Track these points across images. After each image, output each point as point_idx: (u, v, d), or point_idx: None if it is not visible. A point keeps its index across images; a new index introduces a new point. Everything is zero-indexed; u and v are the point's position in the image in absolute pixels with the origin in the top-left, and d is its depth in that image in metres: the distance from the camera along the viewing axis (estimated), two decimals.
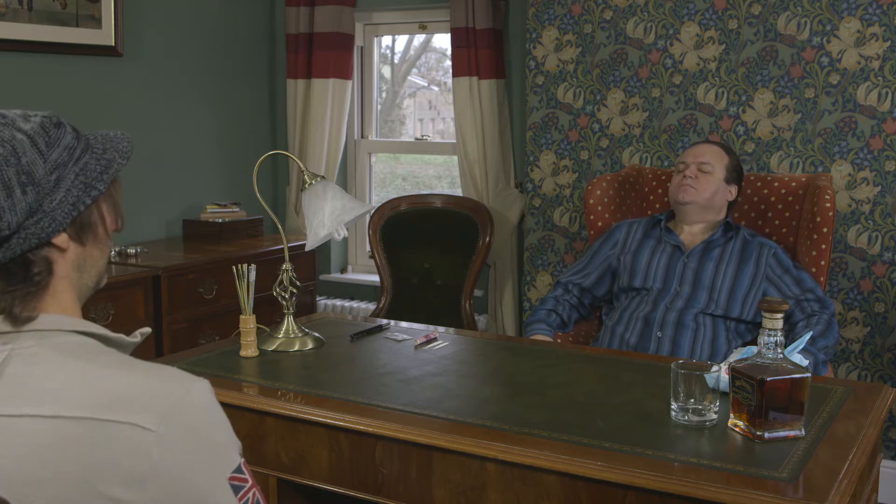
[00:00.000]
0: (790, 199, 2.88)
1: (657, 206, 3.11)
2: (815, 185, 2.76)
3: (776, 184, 2.93)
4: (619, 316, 2.66)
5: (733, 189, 2.72)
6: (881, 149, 3.03)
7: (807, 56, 3.10)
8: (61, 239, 1.07)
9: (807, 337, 2.06)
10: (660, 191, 3.12)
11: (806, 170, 3.14)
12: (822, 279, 2.65)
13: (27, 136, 1.04)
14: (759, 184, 2.94)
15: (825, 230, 2.63)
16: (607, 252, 2.80)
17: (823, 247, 2.65)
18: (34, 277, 1.05)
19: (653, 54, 3.34)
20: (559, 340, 2.73)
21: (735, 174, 2.72)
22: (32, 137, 1.05)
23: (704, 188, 2.65)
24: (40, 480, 0.98)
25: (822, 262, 2.66)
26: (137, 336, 1.17)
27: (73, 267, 1.10)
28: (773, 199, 2.91)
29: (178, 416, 1.00)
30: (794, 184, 2.90)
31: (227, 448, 1.05)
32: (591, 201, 2.98)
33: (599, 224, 2.99)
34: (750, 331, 2.59)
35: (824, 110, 3.10)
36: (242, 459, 1.07)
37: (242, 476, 1.05)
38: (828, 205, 2.63)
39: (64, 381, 1.01)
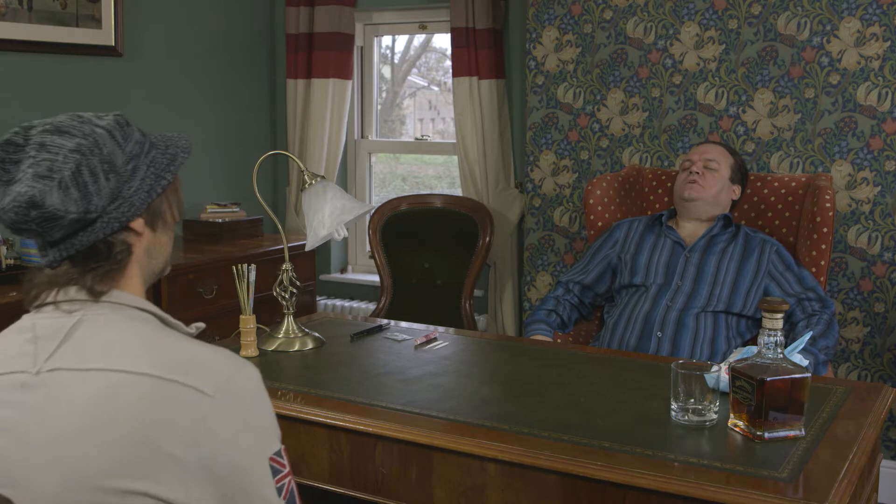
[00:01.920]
0: (790, 199, 2.88)
1: (657, 206, 3.11)
2: (815, 185, 2.76)
3: (776, 184, 2.93)
4: (620, 315, 2.67)
5: (737, 189, 2.75)
6: (881, 149, 3.03)
7: (807, 56, 3.10)
8: (138, 223, 1.19)
9: (807, 337, 2.06)
10: (660, 191, 3.12)
11: (806, 170, 3.14)
12: (822, 279, 2.65)
13: (106, 130, 1.15)
14: (759, 184, 2.94)
15: (825, 230, 2.64)
16: (607, 250, 2.81)
17: (823, 247, 2.65)
18: (116, 256, 1.17)
19: (653, 54, 3.34)
20: (559, 341, 2.74)
21: (739, 174, 2.75)
22: (110, 131, 1.15)
23: (711, 185, 2.68)
24: (101, 428, 1.06)
25: (822, 262, 2.66)
26: (192, 329, 1.27)
27: (145, 252, 1.22)
28: (773, 199, 2.91)
29: (232, 389, 1.10)
30: (793, 184, 2.90)
31: (271, 430, 1.14)
32: (591, 201, 2.98)
33: (599, 224, 2.99)
34: (750, 329, 2.60)
35: (824, 110, 3.10)
36: (283, 447, 1.15)
37: (282, 461, 1.13)
38: (828, 205, 2.63)
39: (131, 343, 1.12)
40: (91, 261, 1.16)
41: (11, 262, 3.07)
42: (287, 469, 1.14)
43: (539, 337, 2.66)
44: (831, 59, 3.07)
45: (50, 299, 1.17)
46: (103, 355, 1.10)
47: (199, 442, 1.06)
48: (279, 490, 1.12)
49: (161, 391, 1.07)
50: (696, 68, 3.28)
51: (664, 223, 2.75)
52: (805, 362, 1.91)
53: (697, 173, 2.68)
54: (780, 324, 1.72)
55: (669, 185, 3.06)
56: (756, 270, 2.59)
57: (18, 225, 1.12)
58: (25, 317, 1.19)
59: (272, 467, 1.12)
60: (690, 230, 2.72)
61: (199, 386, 1.08)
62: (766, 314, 1.72)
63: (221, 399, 1.08)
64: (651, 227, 2.78)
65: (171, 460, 1.05)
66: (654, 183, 3.14)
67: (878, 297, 3.08)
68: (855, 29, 3.02)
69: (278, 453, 1.14)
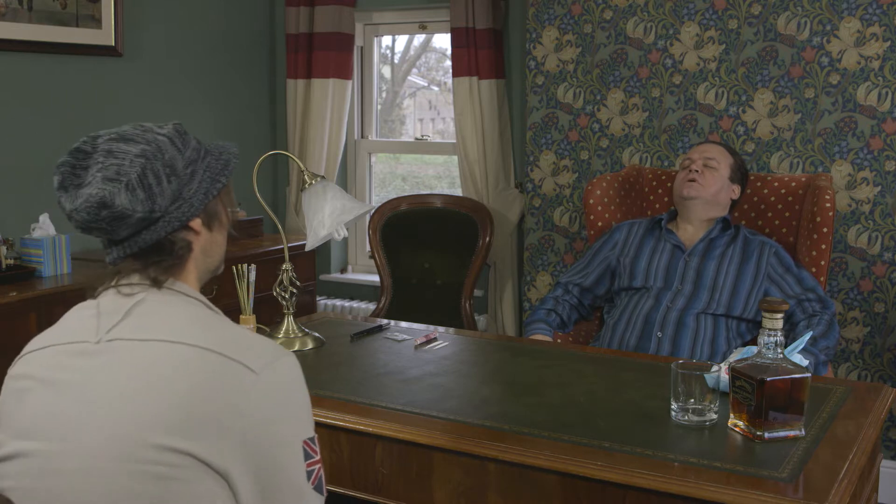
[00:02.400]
0: (790, 199, 2.88)
1: (657, 206, 3.11)
2: (815, 185, 2.76)
3: (776, 184, 2.93)
4: (620, 315, 2.66)
5: (736, 188, 2.74)
6: (881, 149, 3.03)
7: (807, 56, 3.10)
8: (196, 223, 1.28)
9: (807, 337, 2.06)
10: (660, 191, 3.12)
11: (806, 170, 3.14)
12: (822, 279, 2.65)
13: (167, 137, 1.25)
14: (759, 184, 2.94)
15: (825, 230, 2.64)
16: (606, 253, 2.80)
17: (823, 247, 2.65)
18: (178, 252, 1.27)
19: (653, 54, 3.34)
20: (559, 340, 2.74)
21: (739, 174, 2.75)
22: (171, 138, 1.25)
23: (710, 184, 2.67)
24: (154, 390, 1.14)
25: (822, 262, 2.66)
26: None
27: (201, 250, 1.31)
28: (773, 199, 2.91)
29: (276, 371, 1.19)
30: (793, 184, 2.90)
31: (307, 416, 1.23)
32: (591, 201, 2.98)
33: (599, 224, 2.99)
34: (750, 330, 2.60)
35: (824, 110, 3.10)
36: (316, 436, 1.23)
37: (314, 448, 1.22)
38: (828, 205, 2.63)
39: (187, 321, 1.22)
40: (154, 255, 1.25)
41: (11, 262, 3.07)
42: (318, 457, 1.22)
43: (539, 336, 2.65)
44: (831, 59, 3.07)
45: (112, 284, 1.25)
46: (161, 329, 1.19)
47: (241, 412, 1.14)
48: (309, 474, 1.20)
49: (213, 363, 1.16)
50: (696, 68, 3.28)
51: (663, 226, 2.74)
52: (805, 362, 1.91)
53: (697, 171, 2.68)
54: (780, 324, 1.72)
55: (669, 185, 3.06)
56: (755, 274, 2.58)
57: (89, 224, 1.22)
58: (89, 300, 1.28)
59: (305, 451, 1.20)
60: (690, 233, 2.72)
61: (246, 363, 1.17)
62: (766, 314, 1.72)
63: (265, 378, 1.17)
64: (651, 230, 2.77)
65: (215, 425, 1.13)
66: (655, 183, 3.14)
67: (878, 297, 3.08)
68: (855, 29, 3.02)
69: (312, 440, 1.22)
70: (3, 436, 1.23)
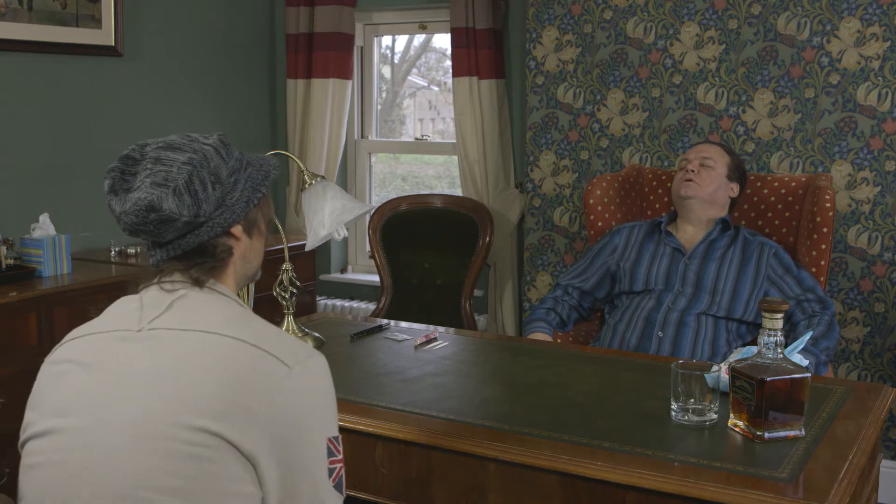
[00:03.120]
0: (790, 199, 2.88)
1: (657, 206, 3.11)
2: (815, 185, 2.76)
3: (776, 184, 2.93)
4: (621, 315, 2.66)
5: (735, 187, 2.74)
6: (881, 149, 3.03)
7: (807, 56, 3.10)
8: (237, 229, 1.35)
9: (807, 337, 2.05)
10: (660, 191, 3.12)
11: (806, 170, 3.14)
12: (822, 279, 2.65)
13: (212, 147, 1.32)
14: (759, 184, 2.94)
15: (825, 230, 2.64)
16: (606, 257, 2.80)
17: (823, 247, 2.65)
18: (220, 255, 1.33)
19: (653, 54, 3.34)
20: (558, 340, 2.74)
21: (737, 173, 2.74)
22: (216, 148, 1.32)
23: (707, 183, 2.67)
24: (191, 374, 1.20)
25: (822, 262, 2.66)
26: None
27: (241, 256, 1.37)
28: (773, 199, 2.91)
29: (308, 368, 1.25)
30: (793, 184, 2.90)
31: (332, 415, 1.29)
32: (591, 201, 2.98)
33: (599, 224, 2.99)
34: (750, 332, 2.59)
35: (824, 110, 3.10)
36: (340, 436, 1.29)
37: (338, 447, 1.27)
38: (828, 205, 2.63)
39: (226, 315, 1.28)
40: (196, 257, 1.32)
41: (11, 262, 3.07)
42: (341, 456, 1.27)
43: (538, 335, 2.65)
44: (831, 59, 3.07)
45: (155, 281, 1.32)
46: (200, 322, 1.26)
47: (272, 402, 1.20)
48: (330, 472, 1.25)
49: (249, 354, 1.22)
50: (696, 68, 3.28)
51: (663, 229, 2.74)
52: (805, 362, 1.90)
53: (693, 171, 2.68)
54: (780, 324, 1.72)
55: (669, 185, 3.05)
56: (755, 276, 2.58)
57: (137, 226, 1.28)
58: (132, 295, 1.34)
59: (328, 448, 1.25)
60: (690, 234, 2.72)
61: (281, 357, 1.23)
62: (766, 314, 1.72)
63: (297, 373, 1.23)
64: (651, 233, 2.77)
65: (247, 412, 1.18)
66: (655, 183, 3.14)
67: (878, 297, 3.08)
68: (855, 29, 3.02)
69: (336, 439, 1.27)
70: (35, 415, 1.28)
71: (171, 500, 1.16)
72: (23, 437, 1.29)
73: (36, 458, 1.25)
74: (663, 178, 3.13)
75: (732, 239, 2.66)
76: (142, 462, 1.18)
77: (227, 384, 1.19)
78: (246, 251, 1.38)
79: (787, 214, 2.88)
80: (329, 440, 1.25)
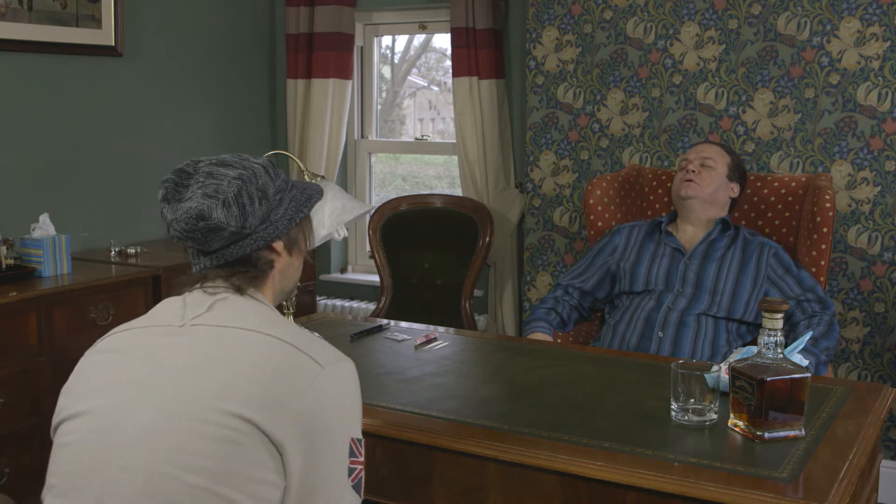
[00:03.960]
0: (790, 199, 2.88)
1: (657, 206, 3.11)
2: (816, 185, 2.76)
3: (776, 184, 2.93)
4: (622, 315, 2.67)
5: (735, 187, 2.74)
6: (881, 149, 3.03)
7: (807, 56, 3.10)
8: (279, 245, 1.42)
9: (807, 337, 2.05)
10: (660, 191, 3.12)
11: (806, 170, 3.14)
12: (822, 279, 2.66)
13: (262, 166, 1.40)
14: (759, 184, 2.94)
15: (825, 230, 2.64)
16: (606, 257, 2.80)
17: (823, 247, 2.65)
18: (261, 266, 1.40)
19: (653, 54, 3.34)
20: (559, 339, 2.74)
21: (737, 173, 2.75)
22: (265, 167, 1.40)
23: (707, 183, 2.68)
24: (229, 364, 1.26)
25: (823, 262, 2.66)
26: None
27: (280, 271, 1.44)
28: (773, 199, 2.91)
29: (338, 370, 1.31)
30: (793, 184, 2.90)
31: (357, 417, 1.35)
32: (591, 201, 2.98)
33: (599, 224, 2.99)
34: (750, 332, 2.60)
35: (824, 110, 3.10)
36: (363, 439, 1.34)
37: (360, 449, 1.33)
38: (828, 205, 2.63)
39: (264, 317, 1.35)
40: (239, 266, 1.38)
41: (11, 262, 3.07)
42: (362, 458, 1.33)
43: (538, 335, 2.65)
44: (831, 59, 3.07)
45: (198, 285, 1.38)
46: (240, 321, 1.32)
47: (302, 396, 1.25)
48: (350, 471, 1.30)
49: (284, 350, 1.29)
50: (696, 68, 3.28)
51: (663, 229, 2.74)
52: (805, 362, 1.90)
53: (694, 171, 2.68)
54: (780, 324, 1.72)
55: (669, 185, 3.05)
56: (755, 276, 2.59)
57: (186, 233, 1.35)
58: (176, 296, 1.40)
59: (350, 448, 1.30)
60: (690, 234, 2.72)
61: (315, 356, 1.30)
62: (766, 314, 1.72)
63: (329, 372, 1.29)
64: (651, 234, 2.77)
65: (279, 403, 1.24)
66: (654, 183, 3.14)
67: (878, 297, 3.08)
68: (855, 29, 3.02)
69: (359, 441, 1.33)
70: (69, 399, 1.33)
71: (197, 478, 1.21)
72: (56, 420, 1.34)
73: (68, 438, 1.30)
74: (663, 178, 3.12)
75: (732, 239, 2.66)
76: (173, 440, 1.22)
77: (262, 376, 1.25)
78: (285, 267, 1.45)
79: (787, 214, 2.88)
80: (352, 440, 1.31)
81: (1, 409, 2.72)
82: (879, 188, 3.04)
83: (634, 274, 2.70)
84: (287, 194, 1.43)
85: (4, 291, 2.84)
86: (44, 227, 3.15)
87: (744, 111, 3.22)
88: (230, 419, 1.22)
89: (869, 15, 2.99)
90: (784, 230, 2.87)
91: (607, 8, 3.40)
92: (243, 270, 1.38)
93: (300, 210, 1.44)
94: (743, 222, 2.92)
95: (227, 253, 1.38)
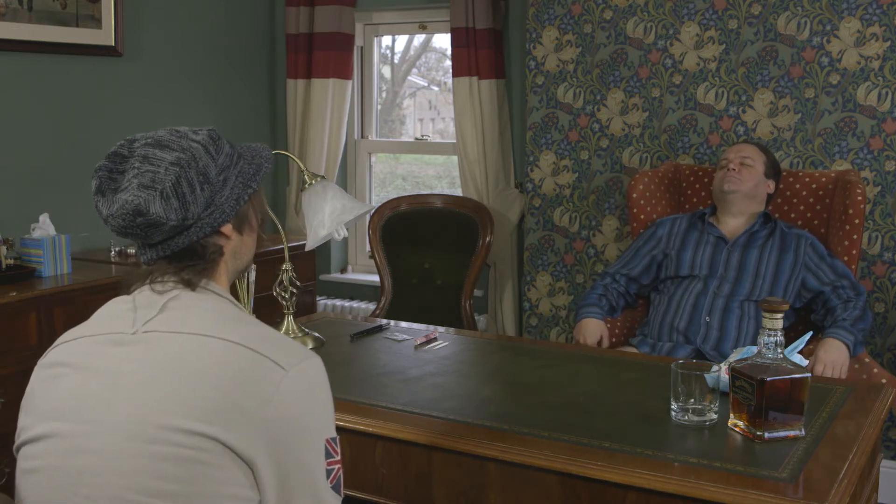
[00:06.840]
0: (821, 192, 2.98)
1: (694, 200, 3.19)
2: (845, 179, 2.87)
3: (807, 179, 3.02)
4: (669, 301, 2.80)
5: (771, 183, 2.90)
6: (881, 149, 3.03)
7: (807, 56, 3.10)
8: (227, 228, 1.32)
9: (807, 337, 2.06)
10: (697, 186, 3.20)
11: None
12: (853, 267, 2.78)
13: (201, 144, 1.28)
14: (790, 179, 3.04)
15: (857, 221, 2.76)
16: (651, 248, 2.94)
17: (855, 237, 2.78)
18: (210, 256, 1.31)
19: (653, 54, 3.34)
20: (608, 325, 2.82)
21: (773, 170, 2.91)
22: (205, 146, 1.29)
23: (747, 179, 2.83)
24: (186, 377, 1.19)
25: (854, 252, 2.79)
26: None
27: (231, 253, 1.35)
28: (804, 193, 3.01)
29: (304, 370, 1.23)
30: (823, 179, 3.00)
31: (330, 416, 1.27)
32: (634, 195, 3.10)
33: (642, 217, 3.10)
34: (787, 317, 2.71)
35: (824, 110, 3.10)
36: (337, 437, 1.28)
37: (336, 448, 1.26)
38: (859, 197, 2.76)
39: (220, 317, 1.26)
40: (187, 259, 1.30)
41: (11, 262, 3.07)
42: (338, 458, 1.26)
43: (590, 320, 2.77)
44: (831, 59, 3.07)
45: (147, 282, 1.30)
46: (196, 324, 1.24)
47: (269, 403, 1.18)
48: (328, 473, 1.24)
49: (245, 357, 1.21)
50: (696, 68, 3.28)
51: (706, 220, 2.88)
52: (805, 362, 1.90)
53: (734, 169, 2.83)
54: (780, 324, 1.72)
55: (706, 180, 3.16)
56: (794, 263, 2.74)
57: (124, 229, 1.26)
58: (124, 296, 1.33)
59: (326, 449, 1.24)
60: (731, 227, 2.86)
61: (276, 360, 1.21)
62: (766, 314, 1.72)
63: (293, 375, 1.21)
64: (693, 224, 2.92)
65: (243, 413, 1.17)
66: (692, 178, 3.22)
67: (878, 297, 3.08)
68: (855, 29, 3.02)
69: (334, 440, 1.26)
70: (30, 419, 1.27)
71: (162, 503, 1.15)
72: (18, 441, 1.28)
73: (32, 463, 1.25)
74: (700, 173, 3.21)
75: (771, 230, 2.82)
76: (136, 464, 1.17)
77: (222, 388, 1.18)
78: (237, 248, 1.36)
79: (818, 207, 2.98)
80: (327, 441, 1.24)
81: (1, 409, 2.73)
82: (879, 188, 3.04)
83: (680, 259, 2.85)
84: (232, 171, 1.32)
85: (4, 291, 2.84)
86: (44, 227, 3.15)
87: (744, 111, 3.22)
88: (192, 438, 1.16)
89: (869, 15, 2.99)
90: (815, 222, 2.98)
91: (607, 8, 3.40)
92: (192, 264, 1.30)
93: (248, 185, 1.33)
94: (777, 215, 3.00)
95: (172, 244, 1.29)
